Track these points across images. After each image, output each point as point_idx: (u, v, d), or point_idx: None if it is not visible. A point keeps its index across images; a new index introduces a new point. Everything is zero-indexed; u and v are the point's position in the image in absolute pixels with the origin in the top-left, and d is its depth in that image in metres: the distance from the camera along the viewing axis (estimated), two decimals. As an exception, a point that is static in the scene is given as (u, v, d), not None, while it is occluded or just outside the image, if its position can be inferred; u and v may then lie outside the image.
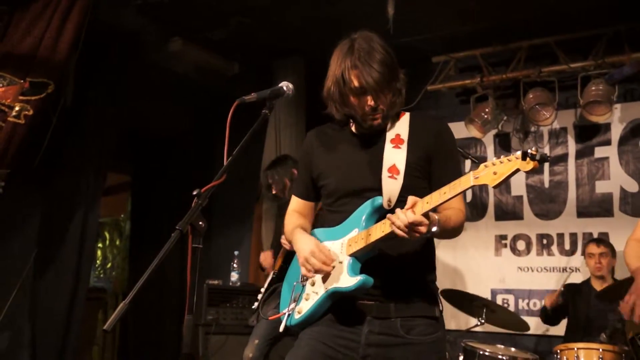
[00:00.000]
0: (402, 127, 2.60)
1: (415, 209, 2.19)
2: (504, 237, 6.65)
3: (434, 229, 2.25)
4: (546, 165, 6.52)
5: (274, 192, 5.22)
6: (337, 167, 2.66)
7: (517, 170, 2.08)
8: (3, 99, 4.82)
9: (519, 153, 2.07)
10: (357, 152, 2.63)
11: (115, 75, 5.90)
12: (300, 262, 2.56)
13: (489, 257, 6.66)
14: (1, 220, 5.11)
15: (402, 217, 2.18)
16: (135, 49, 6.01)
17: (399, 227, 2.20)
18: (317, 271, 2.52)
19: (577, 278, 5.96)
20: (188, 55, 6.29)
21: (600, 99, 5.98)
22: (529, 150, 2.04)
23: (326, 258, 2.49)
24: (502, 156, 2.13)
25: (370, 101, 2.46)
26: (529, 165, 2.04)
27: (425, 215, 2.19)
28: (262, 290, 5.12)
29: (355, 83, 2.44)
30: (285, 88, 2.63)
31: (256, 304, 5.17)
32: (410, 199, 2.23)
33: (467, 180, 2.14)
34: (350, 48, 2.50)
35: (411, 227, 2.18)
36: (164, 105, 6.79)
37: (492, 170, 2.12)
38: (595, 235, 6.04)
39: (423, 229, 2.20)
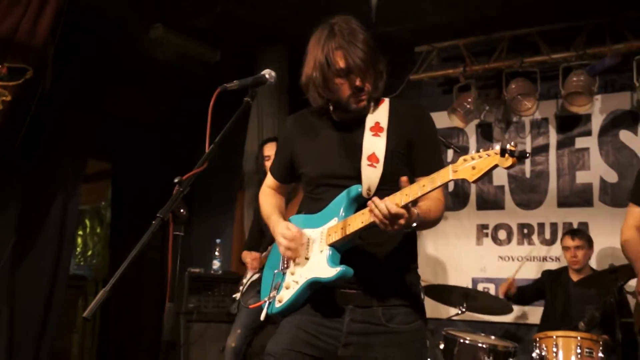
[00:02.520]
0: (381, 114, 2.61)
1: (395, 201, 2.20)
2: (485, 226, 6.70)
3: (414, 224, 2.27)
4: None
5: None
6: (316, 154, 2.66)
7: (496, 166, 2.09)
8: None
9: (497, 148, 2.07)
10: (337, 139, 2.63)
11: (95, 62, 5.85)
12: (280, 244, 2.59)
13: (470, 246, 6.71)
14: None
15: (382, 206, 2.18)
16: (116, 35, 5.99)
17: (377, 216, 2.20)
18: (287, 248, 2.55)
19: (556, 266, 6.06)
20: (169, 43, 6.27)
21: (581, 90, 6.02)
22: (508, 146, 2.04)
23: (295, 235, 2.54)
24: (481, 150, 2.14)
25: (357, 81, 2.47)
26: (508, 161, 2.05)
27: (405, 207, 2.19)
28: (244, 280, 5.22)
29: (341, 64, 2.45)
30: (267, 76, 2.62)
31: (238, 294, 5.31)
32: (404, 179, 2.23)
33: (446, 174, 2.15)
34: (331, 31, 2.51)
35: (391, 218, 2.19)
36: (145, 92, 6.80)
37: (471, 164, 2.12)
38: (575, 225, 6.14)
39: (402, 221, 2.21)
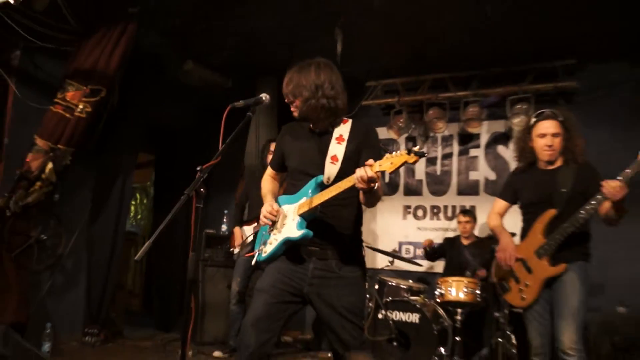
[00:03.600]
0: (344, 129, 2.59)
1: (373, 169, 2.16)
2: (409, 207, 6.74)
3: (376, 186, 2.24)
4: (438, 159, 6.63)
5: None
6: (297, 153, 2.66)
7: (406, 162, 2.11)
8: (72, 99, 4.85)
9: (405, 149, 2.11)
10: (312, 144, 2.61)
11: (146, 85, 5.87)
12: (262, 214, 2.61)
13: (398, 220, 6.75)
14: (68, 183, 5.13)
15: (369, 170, 2.15)
16: (161, 67, 6.01)
17: (363, 177, 2.16)
18: (264, 218, 2.59)
19: (453, 235, 6.03)
20: (197, 73, 6.22)
21: (474, 117, 6.11)
22: (413, 148, 2.08)
23: (272, 211, 2.57)
24: (394, 151, 2.15)
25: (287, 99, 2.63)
26: (412, 158, 2.08)
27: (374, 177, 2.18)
28: (245, 238, 5.15)
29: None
30: (264, 98, 2.64)
31: (236, 249, 5.19)
32: (370, 161, 2.18)
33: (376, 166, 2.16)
34: (327, 65, 2.57)
35: (369, 180, 2.16)
36: (178, 106, 6.75)
37: (390, 160, 2.14)
38: (467, 208, 6.17)
39: (373, 184, 2.20)
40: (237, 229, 5.30)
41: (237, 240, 5.23)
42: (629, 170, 2.96)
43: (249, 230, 5.16)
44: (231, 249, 5.30)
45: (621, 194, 2.93)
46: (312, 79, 2.54)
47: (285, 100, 2.65)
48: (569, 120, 3.33)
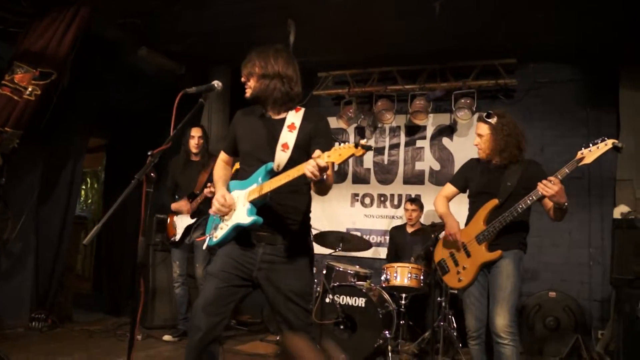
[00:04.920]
0: (297, 118, 2.57)
1: (323, 159, 2.14)
2: (356, 195, 6.79)
3: (325, 176, 2.22)
4: (386, 149, 6.70)
5: None
6: (249, 137, 2.63)
7: (353, 154, 2.12)
8: (21, 82, 4.71)
9: (352, 142, 2.12)
10: (264, 130, 2.58)
11: (98, 69, 5.74)
12: (214, 205, 2.59)
13: (346, 207, 6.81)
14: (15, 166, 5.02)
15: (320, 161, 2.13)
16: (115, 52, 5.87)
17: (315, 167, 2.14)
18: (218, 210, 2.57)
19: (400, 222, 6.15)
20: (151, 59, 6.14)
21: (421, 110, 6.19)
22: (361, 142, 2.09)
23: (224, 203, 2.54)
24: (343, 143, 2.15)
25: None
26: (360, 151, 2.10)
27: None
28: (180, 225, 5.15)
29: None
30: (216, 85, 2.62)
31: (177, 237, 5.16)
32: (317, 152, 2.16)
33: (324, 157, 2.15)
34: (286, 52, 2.59)
35: (321, 169, 2.15)
36: (132, 91, 6.61)
37: (338, 152, 2.14)
38: (413, 196, 6.24)
39: (328, 172, 2.21)
40: (171, 218, 5.31)
41: (172, 230, 5.24)
42: (566, 170, 3.08)
43: (179, 220, 5.19)
44: (172, 238, 5.24)
45: (554, 190, 3.03)
46: (269, 60, 2.54)
47: (242, 79, 2.63)
48: (501, 123, 3.43)
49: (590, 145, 3.06)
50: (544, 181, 3.08)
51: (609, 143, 3.02)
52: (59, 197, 5.60)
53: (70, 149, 5.69)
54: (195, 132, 5.16)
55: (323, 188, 2.45)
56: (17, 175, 5.16)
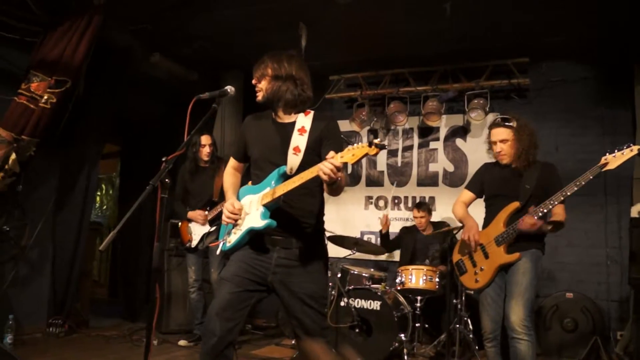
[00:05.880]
0: (307, 121, 2.56)
1: (337, 159, 2.14)
2: (370, 197, 6.76)
3: (339, 177, 2.19)
4: (399, 151, 6.66)
5: None
6: (260, 143, 2.62)
7: (367, 154, 2.11)
8: (37, 90, 4.75)
9: (366, 141, 2.11)
10: (275, 134, 2.57)
11: (112, 76, 5.77)
12: (224, 213, 2.59)
13: (360, 210, 6.77)
14: (32, 174, 5.05)
15: (335, 161, 2.13)
16: (127, 59, 5.87)
17: (324, 171, 2.14)
18: (228, 218, 2.55)
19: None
20: (163, 65, 6.15)
21: (433, 111, 6.18)
22: (374, 141, 2.09)
23: (233, 210, 2.54)
24: (356, 144, 2.15)
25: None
26: (373, 150, 2.09)
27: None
28: (196, 233, 5.12)
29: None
30: (229, 90, 2.61)
31: (194, 242, 5.12)
32: (332, 153, 2.16)
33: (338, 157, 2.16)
34: (299, 58, 2.61)
35: (336, 170, 2.13)
36: (145, 98, 6.63)
37: (351, 152, 2.13)
38: (427, 199, 6.28)
39: (340, 174, 2.18)
40: (184, 224, 5.27)
41: (187, 235, 5.22)
42: (590, 175, 3.07)
43: (196, 225, 5.16)
44: (186, 244, 5.22)
45: (534, 229, 3.24)
46: (282, 62, 2.55)
47: (253, 82, 2.63)
48: (520, 124, 3.43)
49: (616, 150, 3.04)
50: (525, 218, 3.24)
51: (634, 149, 2.98)
52: (74, 203, 5.61)
53: (86, 156, 5.71)
54: (206, 141, 5.15)
55: (336, 189, 2.42)
56: (33, 183, 5.18)
